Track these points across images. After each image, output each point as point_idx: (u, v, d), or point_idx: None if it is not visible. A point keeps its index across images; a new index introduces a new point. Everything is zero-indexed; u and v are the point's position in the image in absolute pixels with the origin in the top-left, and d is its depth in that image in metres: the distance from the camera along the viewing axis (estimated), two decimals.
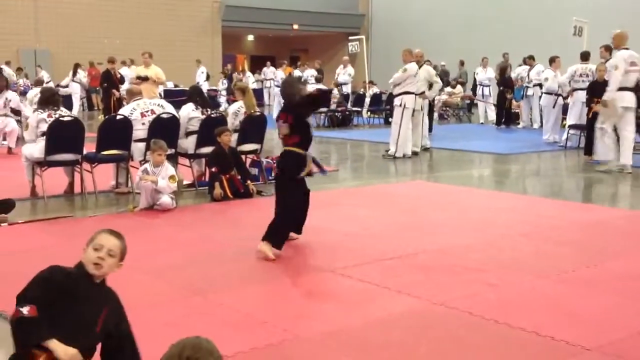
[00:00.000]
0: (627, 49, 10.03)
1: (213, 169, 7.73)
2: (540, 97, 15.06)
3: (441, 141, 13.61)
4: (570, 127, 12.86)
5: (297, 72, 18.92)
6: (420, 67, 11.83)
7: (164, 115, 8.12)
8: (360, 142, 14.20)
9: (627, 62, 9.84)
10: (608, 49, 12.00)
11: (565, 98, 13.48)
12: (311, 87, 17.24)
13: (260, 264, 5.21)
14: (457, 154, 12.04)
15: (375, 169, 10.67)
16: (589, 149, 11.39)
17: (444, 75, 21.39)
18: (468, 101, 21.21)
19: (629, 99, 9.97)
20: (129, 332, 2.90)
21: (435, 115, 19.81)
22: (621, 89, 9.88)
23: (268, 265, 5.15)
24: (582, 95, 12.23)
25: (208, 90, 19.83)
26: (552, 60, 14.32)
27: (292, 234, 5.70)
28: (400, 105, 11.38)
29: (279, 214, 5.51)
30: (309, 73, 18.81)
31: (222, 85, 22.87)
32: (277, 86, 19.12)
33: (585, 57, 12.87)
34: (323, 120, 17.64)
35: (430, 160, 11.61)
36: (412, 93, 11.41)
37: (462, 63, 22.19)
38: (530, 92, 16.36)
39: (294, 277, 4.89)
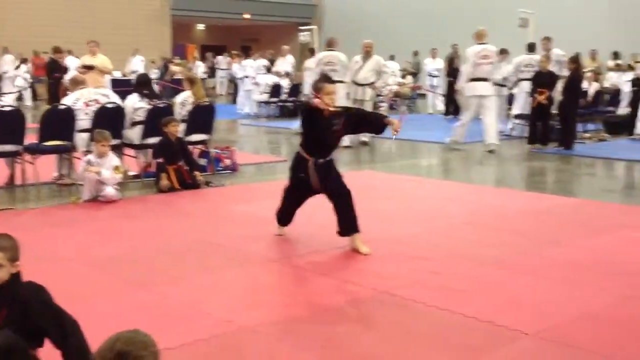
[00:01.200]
0: (484, 43, 11.28)
1: (159, 160, 7.63)
2: None
3: (391, 131, 13.63)
4: (516, 116, 13.09)
5: (249, 62, 18.74)
6: (369, 58, 11.87)
7: (109, 105, 7.97)
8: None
9: (479, 55, 11.08)
10: (549, 41, 12.29)
11: (510, 88, 13.72)
12: (262, 78, 17.12)
13: (205, 255, 5.17)
14: (406, 143, 12.14)
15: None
16: (533, 138, 11.63)
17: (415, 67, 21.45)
18: (418, 91, 21.40)
19: (483, 88, 11.09)
20: (54, 326, 2.82)
21: (385, 105, 19.97)
22: (476, 79, 11.02)
23: (213, 257, 5.12)
24: (527, 86, 12.47)
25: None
26: (500, 52, 14.53)
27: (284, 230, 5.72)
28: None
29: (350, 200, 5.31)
30: (261, 63, 18.68)
31: (153, 74, 22.23)
32: (230, 80, 18.94)
33: (531, 48, 13.11)
34: (274, 110, 17.59)
35: (379, 150, 11.68)
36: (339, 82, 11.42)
37: (415, 53, 22.32)
38: None
39: (240, 267, 4.87)
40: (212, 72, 25.20)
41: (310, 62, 13.29)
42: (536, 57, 12.81)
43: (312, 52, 14.89)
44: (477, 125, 11.73)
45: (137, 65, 21.67)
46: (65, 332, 2.82)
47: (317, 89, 5.24)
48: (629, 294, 4.28)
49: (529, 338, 3.61)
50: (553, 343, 3.55)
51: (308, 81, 13.59)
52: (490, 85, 11.29)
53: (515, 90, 13.42)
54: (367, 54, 11.87)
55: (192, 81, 8.98)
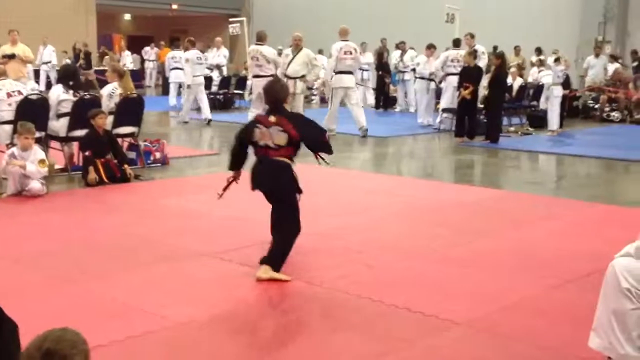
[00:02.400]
0: (346, 40, 12.13)
1: (86, 153, 7.44)
2: (414, 81, 15.54)
3: (320, 123, 13.71)
4: (443, 110, 13.36)
5: (179, 53, 18.45)
6: (299, 51, 11.89)
7: (32, 96, 7.72)
8: (241, 125, 14.08)
9: (342, 51, 11.94)
10: (472, 37, 12.62)
11: (438, 83, 13.99)
12: (195, 68, 16.80)
13: (136, 250, 5.09)
14: (337, 136, 12.20)
15: None
16: (460, 131, 11.90)
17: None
18: None
19: (347, 80, 12.09)
20: None
21: (317, 98, 20.05)
22: (341, 72, 11.99)
23: (144, 252, 5.04)
24: (454, 80, 12.76)
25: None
26: (428, 47, 14.79)
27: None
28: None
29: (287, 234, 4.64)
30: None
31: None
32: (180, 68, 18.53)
33: (456, 43, 13.40)
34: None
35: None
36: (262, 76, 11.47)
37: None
38: (407, 76, 16.84)
39: (173, 262, 4.80)
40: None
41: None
42: (462, 52, 13.10)
43: (192, 43, 14.84)
44: (405, 117, 11.89)
45: (48, 56, 20.80)
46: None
47: None
48: (554, 283, 4.44)
49: (460, 327, 3.70)
50: (483, 332, 3.66)
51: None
52: (353, 78, 12.36)
53: (442, 85, 13.68)
54: (296, 47, 11.89)
55: (120, 73, 8.77)
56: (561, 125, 13.78)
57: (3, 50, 12.51)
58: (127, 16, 31.69)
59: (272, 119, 4.69)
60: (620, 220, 6.32)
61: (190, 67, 13.90)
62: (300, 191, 4.74)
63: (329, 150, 4.89)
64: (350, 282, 4.41)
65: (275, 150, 4.66)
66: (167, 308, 3.92)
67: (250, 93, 13.10)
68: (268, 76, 11.35)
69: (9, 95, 7.62)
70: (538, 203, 7.09)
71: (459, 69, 12.85)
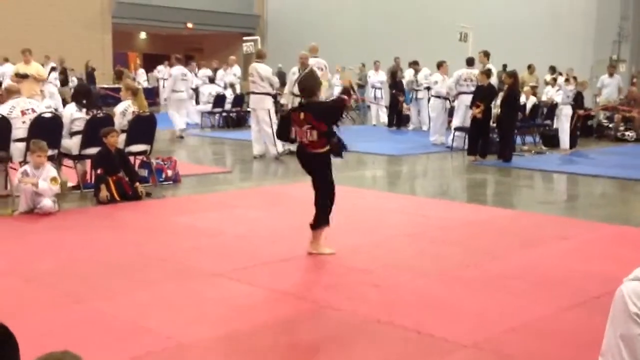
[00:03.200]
0: (316, 57, 12.27)
1: (98, 171, 7.48)
2: (429, 100, 15.54)
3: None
4: (456, 129, 13.34)
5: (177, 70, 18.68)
6: (305, 69, 11.92)
7: (46, 115, 7.79)
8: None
9: (315, 67, 11.85)
10: (486, 55, 12.62)
11: (452, 101, 13.98)
12: (206, 88, 16.99)
13: (145, 269, 5.09)
14: (350, 155, 12.20)
15: (269, 170, 10.67)
16: (472, 150, 11.86)
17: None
18: (363, 103, 21.57)
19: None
20: None
21: None
22: None
23: (153, 271, 5.04)
24: (466, 99, 12.77)
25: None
26: (440, 65, 14.80)
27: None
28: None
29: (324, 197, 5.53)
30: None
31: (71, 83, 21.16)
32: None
33: (470, 62, 13.40)
34: (218, 121, 17.48)
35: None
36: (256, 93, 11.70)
37: (363, 66, 22.45)
38: (420, 95, 16.84)
39: (181, 281, 4.80)
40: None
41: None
42: (475, 71, 13.11)
43: (178, 60, 15.31)
44: (418, 136, 11.82)
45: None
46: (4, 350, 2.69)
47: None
48: (564, 305, 4.39)
49: (467, 349, 3.66)
50: (491, 354, 3.61)
51: None
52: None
53: (455, 104, 13.67)
54: (303, 65, 11.94)
55: (133, 91, 8.84)
56: (575, 145, 13.74)
57: (17, 69, 12.68)
58: (143, 35, 32.01)
59: (302, 115, 5.32)
60: (634, 241, 6.26)
61: (172, 82, 14.25)
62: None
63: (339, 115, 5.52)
64: (360, 303, 4.38)
65: (311, 144, 5.35)
66: (172, 328, 3.90)
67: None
68: (261, 93, 11.60)
69: (23, 113, 7.69)
70: (550, 223, 7.04)
71: (472, 88, 12.85)
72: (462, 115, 13.17)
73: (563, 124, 13.33)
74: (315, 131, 5.27)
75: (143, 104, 8.82)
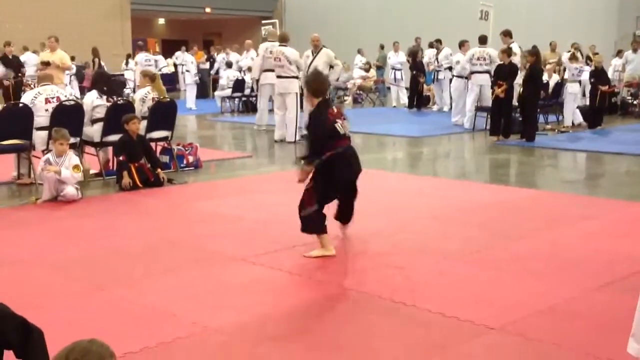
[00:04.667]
0: (274, 42, 12.45)
1: (120, 158, 7.50)
2: (450, 80, 15.38)
3: (355, 125, 13.69)
4: (477, 109, 13.19)
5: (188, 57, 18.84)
6: (319, 51, 11.84)
7: (67, 103, 7.82)
8: (274, 127, 14.13)
9: (267, 51, 12.28)
10: (507, 34, 12.45)
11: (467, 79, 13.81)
12: (225, 73, 17.04)
13: (168, 255, 5.10)
14: (371, 137, 12.15)
15: (290, 155, 10.64)
16: (495, 130, 11.74)
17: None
18: (382, 84, 21.41)
19: (273, 77, 12.14)
20: (17, 340, 2.68)
21: (349, 99, 20.00)
22: (267, 70, 12.31)
23: (176, 257, 5.05)
24: (480, 78, 12.75)
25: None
26: (462, 45, 14.63)
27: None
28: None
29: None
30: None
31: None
32: (188, 70, 18.78)
33: (482, 40, 13.24)
34: (237, 106, 17.47)
35: None
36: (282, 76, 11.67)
37: (382, 47, 22.28)
38: (441, 75, 16.68)
39: (204, 267, 4.80)
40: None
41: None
42: (488, 49, 12.97)
43: (140, 47, 15.51)
44: (440, 117, 11.72)
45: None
46: (29, 342, 2.70)
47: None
48: (591, 286, 4.33)
49: (494, 332, 3.62)
50: (518, 337, 3.57)
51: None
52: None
53: (469, 83, 13.52)
54: (315, 48, 11.86)
55: (151, 77, 8.84)
56: (601, 122, 13.54)
57: (42, 57, 12.75)
58: (161, 20, 32.03)
59: (334, 110, 5.13)
60: None
61: (139, 68, 14.50)
62: None
63: None
64: (384, 285, 4.36)
65: (348, 138, 5.12)
66: (197, 314, 3.91)
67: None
68: (289, 77, 11.57)
69: (47, 101, 7.74)
70: (575, 203, 6.95)
71: (485, 67, 12.75)
72: (475, 96, 13.05)
73: (568, 101, 13.21)
74: (348, 122, 5.17)
75: (161, 89, 8.81)
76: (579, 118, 13.57)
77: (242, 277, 4.64)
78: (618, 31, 19.05)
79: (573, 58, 13.50)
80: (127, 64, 21.79)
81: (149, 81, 8.74)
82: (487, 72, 12.99)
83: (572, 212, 6.51)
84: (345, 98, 20.31)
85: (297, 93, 11.56)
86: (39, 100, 7.71)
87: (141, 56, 14.76)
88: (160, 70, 22.43)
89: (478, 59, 13.03)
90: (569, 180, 8.59)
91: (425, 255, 5.03)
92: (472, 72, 13.14)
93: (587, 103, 14.18)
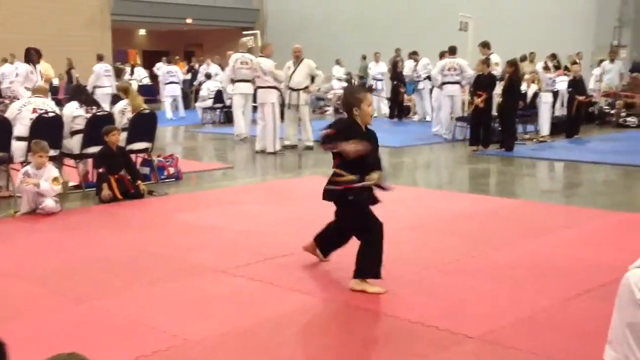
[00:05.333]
0: (244, 53, 12.98)
1: (100, 170, 7.47)
2: (431, 90, 15.49)
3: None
4: (457, 119, 13.30)
5: (174, 67, 18.90)
6: (300, 62, 11.89)
7: (47, 115, 7.78)
8: (255, 137, 14.13)
9: (238, 62, 12.73)
10: (485, 46, 12.62)
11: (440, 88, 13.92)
12: (206, 84, 17.03)
13: (148, 267, 5.08)
14: None
15: (271, 166, 10.65)
16: (474, 140, 11.83)
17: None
18: None
19: (245, 87, 12.81)
20: None
21: (331, 109, 20.05)
22: (238, 81, 12.84)
23: (156, 268, 5.03)
24: (451, 89, 12.93)
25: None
26: (442, 55, 14.74)
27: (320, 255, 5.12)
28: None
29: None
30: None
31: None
32: (176, 82, 18.72)
33: (452, 51, 13.39)
34: (218, 117, 17.45)
35: (323, 156, 11.67)
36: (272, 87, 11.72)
37: (364, 57, 22.36)
38: (421, 85, 16.79)
39: (185, 278, 4.79)
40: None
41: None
42: (458, 60, 13.14)
43: (99, 58, 15.76)
44: (420, 127, 11.79)
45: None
46: None
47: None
48: (570, 295, 4.37)
49: (472, 341, 3.65)
50: (496, 346, 3.60)
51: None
52: (251, 86, 12.83)
53: (438, 94, 13.66)
54: (297, 59, 11.91)
55: (126, 91, 8.80)
56: (577, 132, 13.70)
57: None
58: (142, 31, 31.95)
59: None
60: (639, 228, 6.23)
61: (94, 78, 14.78)
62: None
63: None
64: (364, 296, 4.37)
65: None
66: (177, 326, 3.90)
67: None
68: (266, 87, 11.66)
69: (34, 111, 7.73)
70: (554, 212, 7.02)
71: (456, 78, 12.90)
72: (448, 106, 13.19)
73: (542, 111, 13.38)
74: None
75: (137, 101, 8.76)
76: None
77: (222, 289, 4.63)
78: (595, 41, 19.29)
79: (546, 68, 13.68)
80: (132, 73, 21.88)
81: (123, 94, 8.69)
82: (458, 82, 13.16)
83: (550, 221, 6.58)
84: (327, 108, 20.38)
85: (273, 103, 11.58)
86: (27, 109, 7.70)
87: (99, 66, 14.93)
88: (140, 81, 22.52)
89: (449, 69, 13.18)
90: (547, 189, 8.67)
91: (406, 265, 5.06)
92: (444, 83, 13.27)
93: (565, 113, 14.33)
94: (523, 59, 14.86)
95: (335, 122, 4.83)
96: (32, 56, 11.16)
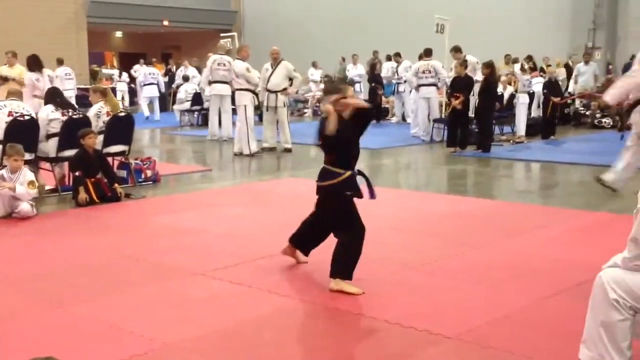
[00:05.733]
0: (222, 54, 13.60)
1: (77, 173, 7.41)
2: (410, 92, 15.55)
3: (312, 137, 13.79)
4: (435, 121, 13.37)
5: (154, 69, 18.84)
6: (278, 64, 11.88)
7: (22, 118, 7.70)
8: (233, 140, 14.10)
9: (215, 63, 13.21)
10: (457, 50, 12.77)
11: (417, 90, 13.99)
12: (183, 86, 17.01)
13: (126, 270, 5.05)
14: None
15: (249, 168, 10.63)
16: (452, 141, 11.90)
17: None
18: None
19: (222, 88, 13.25)
20: None
21: (309, 111, 20.07)
22: (215, 82, 13.24)
23: (134, 272, 5.00)
24: (426, 91, 13.07)
25: None
26: (421, 57, 14.80)
27: (300, 257, 5.11)
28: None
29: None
30: (191, 73, 18.54)
31: None
32: (155, 84, 18.64)
33: (428, 53, 13.48)
34: (196, 119, 17.38)
35: (301, 157, 11.69)
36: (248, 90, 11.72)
37: (343, 59, 22.39)
38: (401, 88, 16.85)
39: (162, 282, 4.77)
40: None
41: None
42: (433, 62, 13.23)
43: (60, 62, 16.15)
44: (399, 128, 11.82)
45: None
46: None
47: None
48: (546, 294, 4.42)
49: (450, 341, 3.67)
50: (473, 345, 3.63)
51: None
52: (228, 87, 13.11)
53: (415, 96, 13.76)
54: (275, 61, 11.91)
55: (103, 93, 8.74)
56: (553, 133, 13.84)
57: (1, 71, 12.54)
58: (119, 33, 31.74)
59: None
60: (613, 227, 6.30)
61: (58, 82, 14.46)
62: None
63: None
64: (343, 297, 4.38)
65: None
66: (155, 329, 3.88)
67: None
68: (239, 90, 11.70)
69: (10, 114, 7.66)
70: (531, 212, 7.08)
71: (430, 80, 13.00)
72: (424, 108, 13.27)
73: (519, 112, 13.52)
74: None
75: (114, 103, 8.72)
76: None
77: (201, 292, 4.61)
78: (571, 43, 19.50)
79: (523, 70, 13.82)
80: (120, 75, 21.83)
81: (101, 96, 8.63)
82: (433, 84, 13.26)
83: (528, 221, 6.64)
84: (305, 110, 20.39)
85: (245, 105, 11.55)
86: (2, 112, 7.64)
87: (60, 70, 14.95)
88: (116, 83, 22.39)
89: (423, 72, 13.27)
90: (524, 190, 8.75)
91: (384, 266, 5.08)
92: (420, 85, 13.35)
93: (541, 114, 14.48)
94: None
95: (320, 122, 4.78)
96: (35, 63, 11.18)
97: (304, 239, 5.05)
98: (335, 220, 4.74)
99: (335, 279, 4.50)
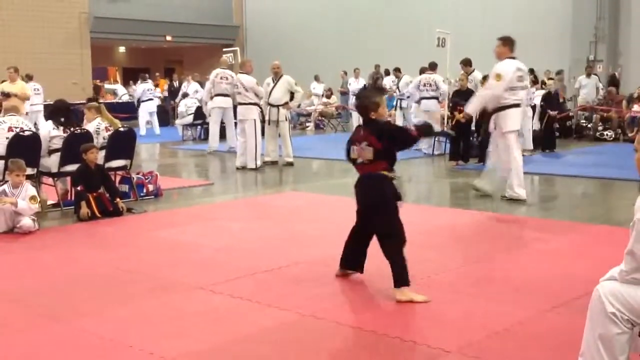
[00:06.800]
0: (224, 68, 13.62)
1: (78, 188, 7.43)
2: (412, 106, 15.56)
3: (317, 151, 13.81)
4: (436, 134, 13.36)
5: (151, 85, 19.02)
6: (279, 78, 11.94)
7: (24, 133, 7.74)
8: (235, 154, 14.12)
9: (218, 77, 13.29)
10: (466, 63, 12.81)
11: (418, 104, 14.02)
12: (183, 101, 17.05)
13: (126, 285, 5.06)
14: (334, 163, 12.22)
15: (251, 182, 10.65)
16: (454, 155, 11.91)
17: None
18: (345, 110, 21.59)
19: (223, 101, 13.32)
20: None
21: (312, 125, 20.12)
22: (218, 95, 13.28)
23: (134, 286, 5.01)
24: (428, 104, 13.14)
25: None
26: (423, 71, 14.85)
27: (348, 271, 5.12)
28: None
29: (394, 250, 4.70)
30: (193, 87, 18.63)
31: None
32: (152, 100, 18.74)
33: (432, 67, 13.53)
34: (199, 133, 17.44)
35: (303, 171, 11.71)
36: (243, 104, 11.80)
37: (345, 73, 22.47)
38: (404, 104, 16.85)
39: (162, 296, 4.77)
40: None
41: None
42: (434, 76, 13.27)
43: (30, 77, 16.31)
44: None
45: None
46: None
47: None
48: (546, 307, 4.41)
49: (450, 355, 3.67)
50: (473, 359, 3.62)
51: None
52: (230, 100, 13.20)
53: (416, 109, 13.81)
54: (276, 75, 11.96)
55: (98, 110, 8.77)
56: (554, 146, 13.85)
57: (2, 87, 12.66)
58: (122, 49, 31.90)
59: (362, 133, 4.76)
60: (614, 240, 6.27)
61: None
62: (398, 198, 4.80)
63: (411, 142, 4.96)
64: (342, 311, 4.39)
65: (367, 165, 4.71)
66: (155, 343, 3.88)
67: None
68: (247, 104, 11.66)
69: (10, 129, 7.70)
70: (531, 225, 7.08)
71: (432, 93, 13.03)
72: (423, 121, 13.28)
73: (524, 125, 13.49)
74: (371, 149, 4.65)
75: (110, 118, 8.75)
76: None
77: (200, 306, 4.62)
78: (571, 56, 19.55)
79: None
80: (96, 94, 21.89)
81: (96, 113, 8.66)
82: (435, 97, 13.30)
83: (528, 234, 6.64)
84: (308, 124, 20.44)
85: (255, 120, 11.60)
86: (2, 128, 7.68)
87: (30, 85, 15.17)
88: (120, 98, 22.49)
89: (425, 85, 13.32)
90: (526, 203, 8.73)
91: (384, 279, 5.06)
92: (421, 98, 13.39)
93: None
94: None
95: (381, 129, 4.76)
96: None
97: (353, 259, 5.06)
98: (382, 228, 4.76)
99: (400, 288, 4.52)
